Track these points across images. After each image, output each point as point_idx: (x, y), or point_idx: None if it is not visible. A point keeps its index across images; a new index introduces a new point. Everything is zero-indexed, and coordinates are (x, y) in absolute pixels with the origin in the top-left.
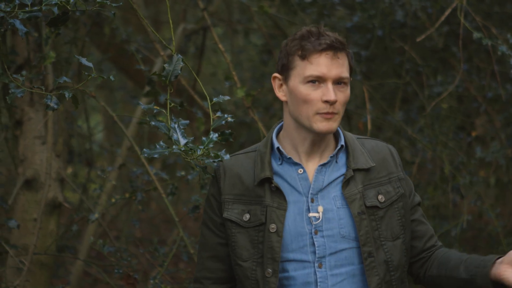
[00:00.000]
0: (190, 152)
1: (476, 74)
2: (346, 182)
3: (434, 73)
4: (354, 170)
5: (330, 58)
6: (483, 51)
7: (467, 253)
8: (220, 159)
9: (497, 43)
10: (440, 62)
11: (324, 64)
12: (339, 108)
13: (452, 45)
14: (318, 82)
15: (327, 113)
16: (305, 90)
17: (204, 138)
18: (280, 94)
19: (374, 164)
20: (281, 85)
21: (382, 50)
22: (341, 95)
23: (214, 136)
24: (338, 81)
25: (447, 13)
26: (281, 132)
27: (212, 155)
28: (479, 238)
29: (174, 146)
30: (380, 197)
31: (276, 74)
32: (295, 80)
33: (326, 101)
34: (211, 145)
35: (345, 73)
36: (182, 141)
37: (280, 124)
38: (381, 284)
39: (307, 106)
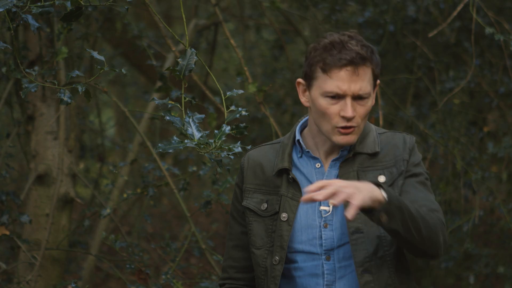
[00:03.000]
0: (202, 146)
1: (488, 69)
2: (344, 163)
3: (446, 68)
4: (356, 153)
5: (351, 73)
6: (495, 46)
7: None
8: (233, 152)
9: (509, 38)
10: (452, 58)
11: (344, 80)
12: (359, 121)
13: (464, 40)
14: (337, 97)
15: (345, 127)
16: (325, 103)
17: (216, 131)
18: (304, 99)
19: (378, 150)
20: (304, 90)
21: (394, 46)
22: (361, 108)
23: (226, 128)
24: (358, 96)
25: (459, 8)
26: (306, 128)
27: (226, 148)
28: (491, 234)
29: (186, 141)
30: (380, 177)
31: (300, 80)
32: (316, 92)
33: (343, 117)
34: (223, 138)
35: (365, 88)
36: (197, 134)
37: (305, 119)
38: (369, 259)
39: (326, 120)
